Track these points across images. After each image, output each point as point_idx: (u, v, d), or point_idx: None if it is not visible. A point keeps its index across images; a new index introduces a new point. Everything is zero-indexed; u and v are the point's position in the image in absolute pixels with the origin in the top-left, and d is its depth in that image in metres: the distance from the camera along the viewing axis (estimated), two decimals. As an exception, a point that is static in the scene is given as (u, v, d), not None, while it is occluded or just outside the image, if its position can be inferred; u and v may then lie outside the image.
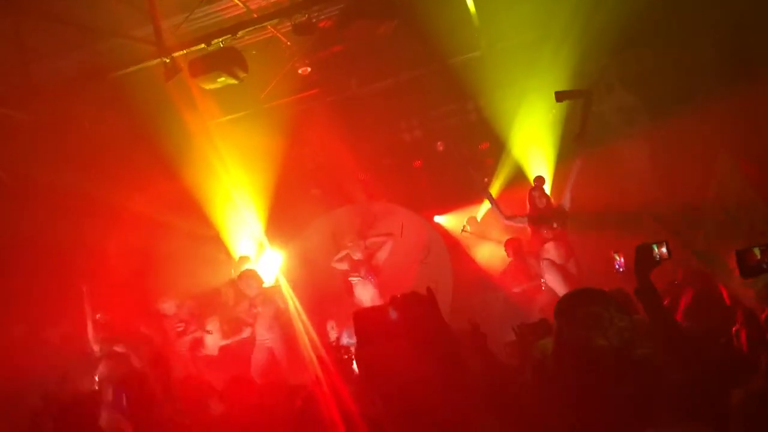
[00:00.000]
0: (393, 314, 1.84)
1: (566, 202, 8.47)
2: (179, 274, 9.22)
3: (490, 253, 9.73)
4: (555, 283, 8.10)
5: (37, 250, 7.93)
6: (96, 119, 7.80)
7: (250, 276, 8.66)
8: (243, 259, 9.32)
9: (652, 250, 3.07)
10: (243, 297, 8.56)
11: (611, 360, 1.86)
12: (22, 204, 8.07)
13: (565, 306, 2.04)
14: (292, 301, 8.97)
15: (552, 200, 8.59)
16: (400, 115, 10.31)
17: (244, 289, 8.41)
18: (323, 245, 9.82)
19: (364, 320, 1.89)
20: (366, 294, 8.91)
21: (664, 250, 3.07)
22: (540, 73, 9.25)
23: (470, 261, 9.74)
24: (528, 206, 8.56)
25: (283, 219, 9.82)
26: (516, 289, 8.63)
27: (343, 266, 9.12)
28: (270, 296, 8.61)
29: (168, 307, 8.89)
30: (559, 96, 7.98)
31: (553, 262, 8.29)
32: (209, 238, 9.55)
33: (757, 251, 2.65)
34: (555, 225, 8.29)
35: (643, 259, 3.03)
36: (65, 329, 8.30)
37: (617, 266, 6.28)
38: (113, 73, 7.14)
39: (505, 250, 8.94)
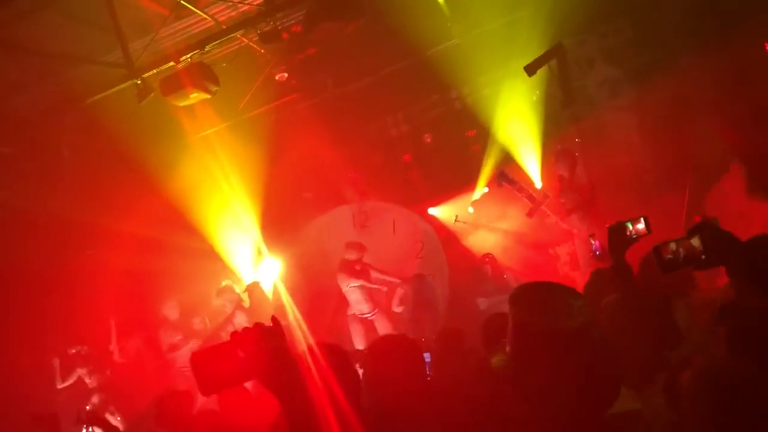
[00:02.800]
0: (240, 354, 1.70)
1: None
2: (176, 289, 9.45)
3: (483, 240, 9.75)
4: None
5: (31, 279, 8.10)
6: (75, 145, 7.83)
7: (226, 291, 8.87)
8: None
9: (625, 228, 3.10)
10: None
11: (580, 339, 1.80)
12: (15, 234, 8.18)
13: (518, 295, 1.97)
14: (290, 309, 9.02)
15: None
16: (385, 111, 10.39)
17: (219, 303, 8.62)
18: (319, 249, 9.89)
19: (202, 363, 1.69)
20: (360, 297, 9.00)
21: (640, 226, 3.09)
22: (518, 55, 9.02)
23: (465, 251, 9.76)
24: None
25: (278, 225, 9.91)
26: (482, 305, 8.54)
27: (346, 280, 9.07)
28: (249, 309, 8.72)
29: (171, 311, 9.09)
30: (530, 69, 7.71)
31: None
32: (204, 252, 9.61)
33: (673, 245, 2.60)
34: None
35: (616, 238, 3.07)
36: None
37: (594, 249, 6.36)
38: (88, 99, 7.21)
39: (481, 266, 8.87)
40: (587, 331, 1.83)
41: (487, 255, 8.96)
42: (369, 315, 9.12)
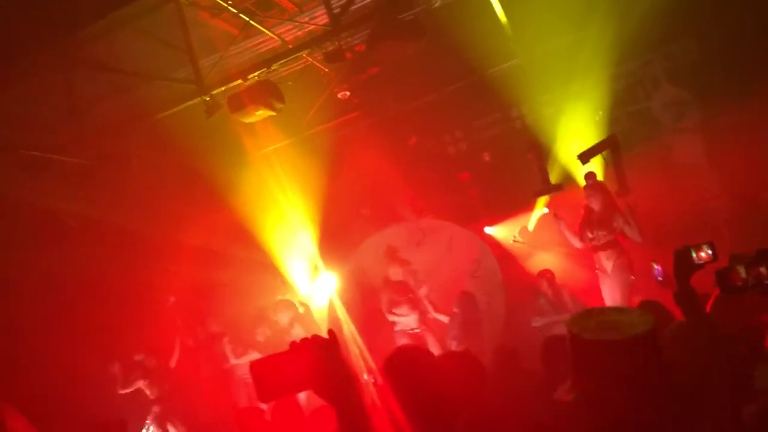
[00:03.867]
0: (298, 363, 1.78)
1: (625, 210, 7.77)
2: (235, 301, 9.62)
3: (541, 262, 9.55)
4: (608, 299, 7.69)
5: (105, 290, 8.42)
6: (144, 159, 8.13)
7: (283, 306, 8.97)
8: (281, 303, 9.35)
9: (690, 253, 3.03)
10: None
11: (637, 348, 1.84)
12: (86, 244, 8.57)
13: (580, 320, 2.03)
14: (346, 325, 9.20)
15: (613, 198, 7.84)
16: (443, 129, 10.44)
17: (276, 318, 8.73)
18: (375, 265, 9.85)
19: (261, 372, 1.77)
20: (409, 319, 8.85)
21: (704, 254, 3.02)
22: (581, 75, 9.21)
23: (522, 271, 9.63)
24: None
25: (335, 241, 9.98)
26: (536, 323, 8.36)
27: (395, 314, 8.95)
28: (306, 322, 8.84)
29: (215, 326, 9.25)
30: (583, 157, 7.59)
31: (605, 274, 7.77)
32: (264, 265, 9.80)
33: (741, 270, 2.58)
34: (602, 232, 7.60)
35: (681, 264, 3.01)
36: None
37: (656, 275, 6.23)
38: (158, 114, 7.50)
39: (538, 282, 8.64)
40: (647, 339, 1.85)
41: (547, 271, 8.78)
42: (417, 329, 8.95)
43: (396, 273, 9.03)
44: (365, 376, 7.47)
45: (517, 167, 9.99)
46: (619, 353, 1.89)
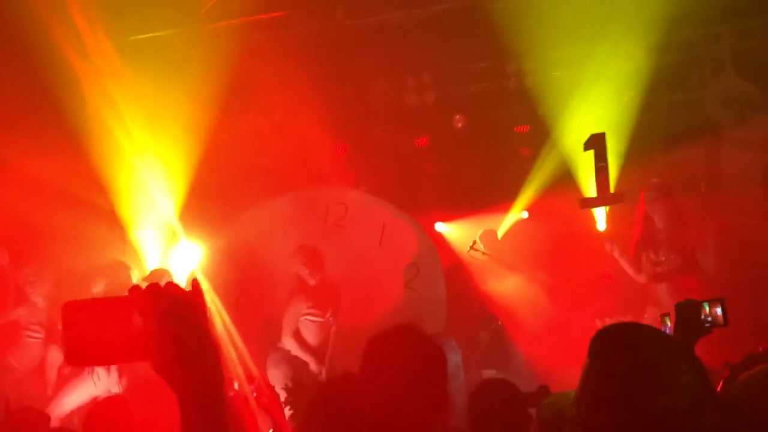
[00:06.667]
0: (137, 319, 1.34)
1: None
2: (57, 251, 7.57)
3: (503, 285, 7.86)
4: None
5: None
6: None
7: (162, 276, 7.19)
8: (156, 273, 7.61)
9: (701, 310, 2.93)
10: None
11: (676, 428, 1.57)
12: None
13: (605, 346, 1.71)
14: (218, 313, 7.44)
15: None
16: (407, 67, 8.41)
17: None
18: (267, 240, 7.95)
19: (75, 320, 1.34)
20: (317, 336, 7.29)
21: (717, 312, 2.94)
22: (616, 33, 7.56)
23: (476, 294, 7.95)
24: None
25: (211, 199, 7.94)
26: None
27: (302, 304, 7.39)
28: None
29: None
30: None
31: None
32: (102, 210, 7.58)
33: None
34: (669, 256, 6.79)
35: (686, 322, 2.89)
36: None
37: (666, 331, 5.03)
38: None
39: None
40: (692, 417, 1.59)
41: (495, 319, 7.70)
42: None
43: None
44: (237, 386, 6.21)
45: (500, 145, 8.57)
46: None
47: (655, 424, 1.57)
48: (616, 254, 6.98)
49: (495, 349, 7.53)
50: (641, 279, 7.05)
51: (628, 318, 7.22)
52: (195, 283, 1.46)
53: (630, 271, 7.05)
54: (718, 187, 7.87)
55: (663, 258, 6.87)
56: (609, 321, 7.20)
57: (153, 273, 7.44)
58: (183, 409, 1.37)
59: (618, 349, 1.67)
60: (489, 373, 7.19)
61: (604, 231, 7.19)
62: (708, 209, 7.49)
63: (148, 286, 1.39)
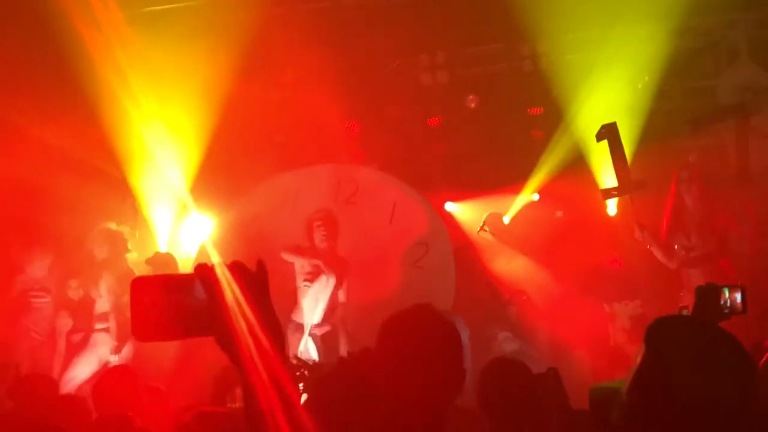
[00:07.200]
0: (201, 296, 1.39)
1: None
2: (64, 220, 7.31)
3: (513, 267, 7.68)
4: None
5: None
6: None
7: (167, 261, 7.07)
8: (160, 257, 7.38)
9: (720, 294, 2.91)
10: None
11: (724, 419, 1.57)
12: None
13: (660, 335, 1.68)
14: (229, 288, 7.04)
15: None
16: (422, 45, 8.26)
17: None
18: (277, 215, 7.72)
19: (143, 297, 1.37)
20: (316, 305, 6.93)
21: (737, 298, 2.89)
22: (633, 17, 7.52)
23: (482, 276, 7.69)
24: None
25: (222, 172, 7.76)
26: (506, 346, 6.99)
27: (293, 259, 7.13)
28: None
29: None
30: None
31: None
32: (114, 180, 7.39)
33: None
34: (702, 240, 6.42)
35: (705, 306, 2.93)
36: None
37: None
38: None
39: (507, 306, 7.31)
40: (743, 407, 1.60)
41: (522, 293, 7.26)
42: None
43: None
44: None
45: (512, 127, 8.39)
46: None
47: (704, 414, 1.57)
48: (647, 241, 6.64)
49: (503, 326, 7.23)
50: (672, 265, 6.70)
51: (636, 303, 7.19)
52: (260, 263, 1.48)
53: (661, 257, 6.71)
54: (747, 172, 7.35)
55: (695, 241, 6.51)
56: (617, 306, 7.19)
57: (157, 256, 7.28)
58: (245, 386, 1.39)
59: (671, 339, 1.68)
60: (504, 335, 7.11)
61: (631, 218, 6.71)
62: (740, 193, 7.14)
63: (233, 263, 1.42)
